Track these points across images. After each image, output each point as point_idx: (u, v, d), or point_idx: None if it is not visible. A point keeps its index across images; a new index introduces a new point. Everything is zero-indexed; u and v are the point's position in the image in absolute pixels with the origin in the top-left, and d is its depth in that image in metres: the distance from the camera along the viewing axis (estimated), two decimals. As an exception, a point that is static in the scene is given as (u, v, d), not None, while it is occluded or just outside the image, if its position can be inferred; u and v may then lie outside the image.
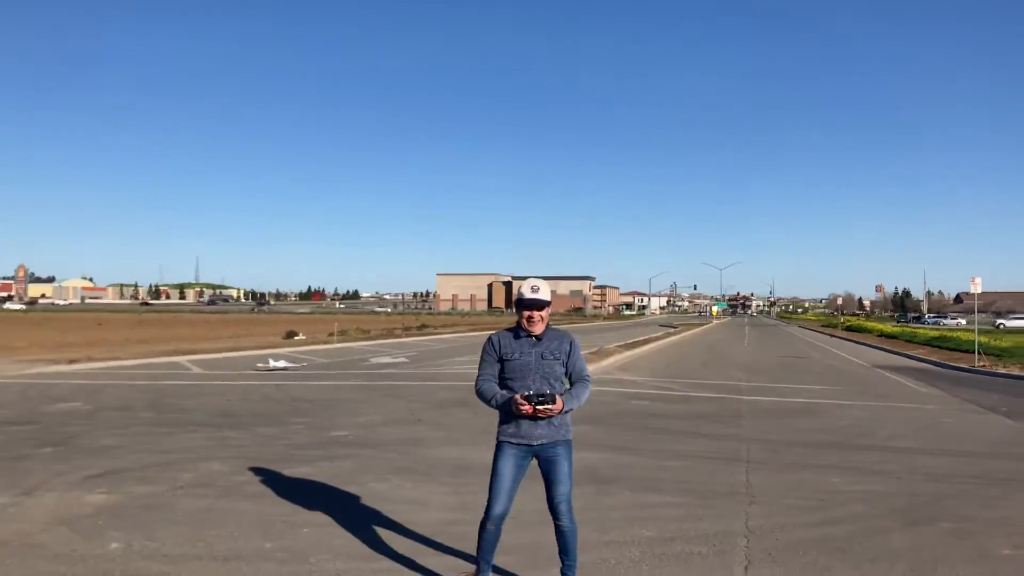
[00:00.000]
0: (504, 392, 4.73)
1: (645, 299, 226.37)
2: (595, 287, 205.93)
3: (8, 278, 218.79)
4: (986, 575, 5.38)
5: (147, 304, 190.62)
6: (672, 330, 58.82)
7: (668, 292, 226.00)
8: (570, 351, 4.82)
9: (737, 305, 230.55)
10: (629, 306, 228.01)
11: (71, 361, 22.18)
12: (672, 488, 7.78)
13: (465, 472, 8.33)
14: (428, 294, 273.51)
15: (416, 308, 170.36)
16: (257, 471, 8.27)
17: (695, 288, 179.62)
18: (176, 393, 15.46)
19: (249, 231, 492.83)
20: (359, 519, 6.47)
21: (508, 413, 4.73)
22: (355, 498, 7.17)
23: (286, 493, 7.33)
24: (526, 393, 4.58)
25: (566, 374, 4.83)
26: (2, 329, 46.51)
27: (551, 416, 4.62)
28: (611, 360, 24.74)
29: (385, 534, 6.09)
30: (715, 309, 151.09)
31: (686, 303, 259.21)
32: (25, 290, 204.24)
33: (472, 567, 5.08)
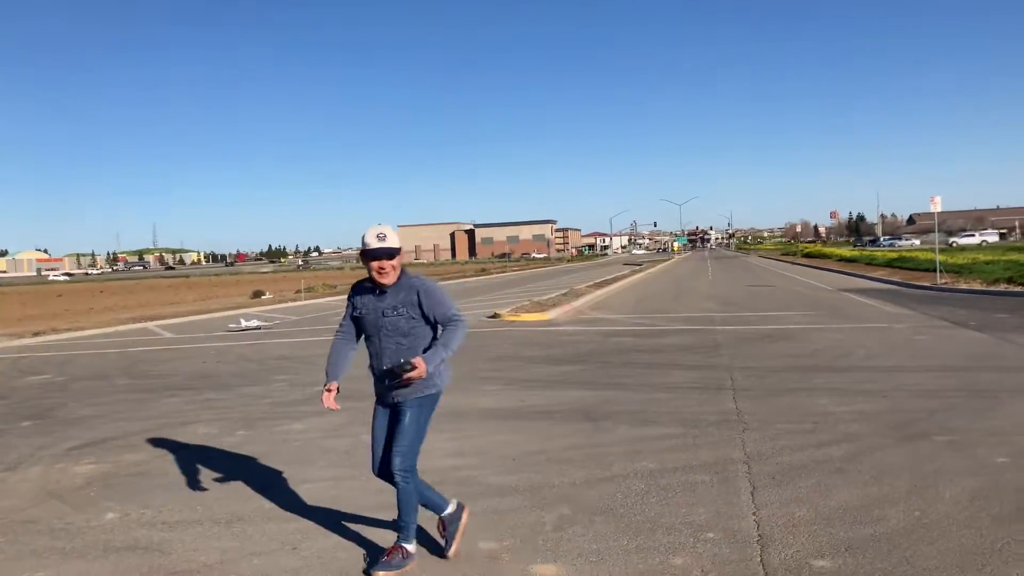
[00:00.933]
0: (329, 374, 4.75)
1: (607, 239, 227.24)
2: (557, 230, 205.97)
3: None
4: (988, 483, 5.46)
5: (171, 267, 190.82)
6: (637, 267, 59.13)
7: (629, 231, 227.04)
8: (420, 299, 4.42)
9: (696, 240, 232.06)
10: (591, 247, 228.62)
11: (35, 334, 21.66)
12: (665, 420, 7.80)
13: (458, 418, 8.26)
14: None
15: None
16: (247, 430, 8.14)
17: (655, 225, 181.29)
18: (149, 359, 15.17)
19: (206, 192, 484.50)
20: (359, 472, 6.39)
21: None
22: (351, 451, 7.09)
23: (280, 450, 7.23)
24: (379, 372, 4.50)
25: (430, 323, 4.50)
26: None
27: (420, 379, 4.39)
28: (583, 300, 24.77)
29: (385, 484, 6.00)
30: (676, 245, 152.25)
31: (647, 240, 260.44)
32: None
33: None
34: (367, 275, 4.48)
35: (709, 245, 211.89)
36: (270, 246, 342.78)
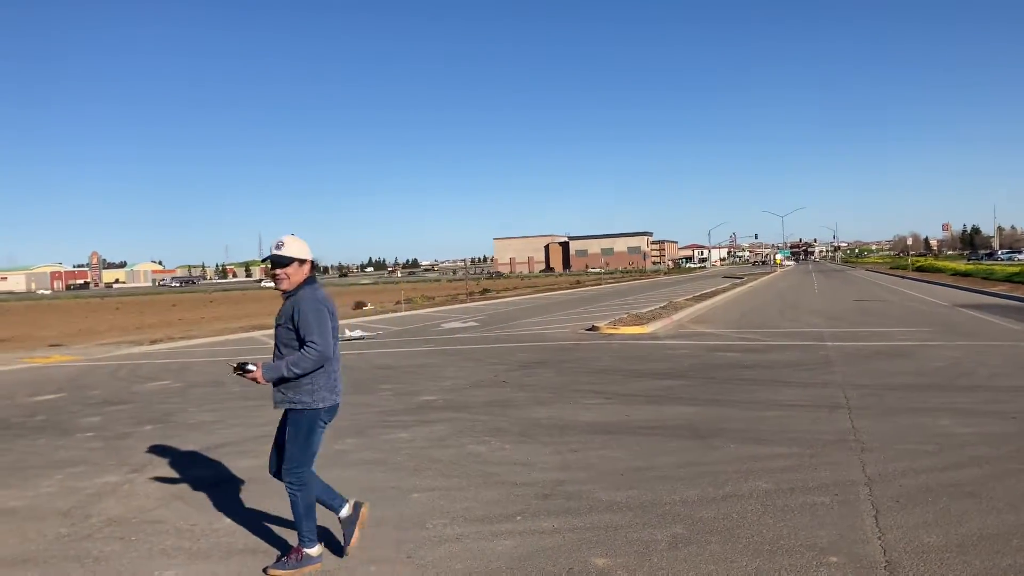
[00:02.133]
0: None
1: (705, 251, 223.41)
2: (653, 242, 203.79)
3: (82, 265, 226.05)
4: None
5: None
6: (738, 280, 57.85)
7: (728, 243, 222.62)
8: (295, 315, 4.46)
9: (800, 252, 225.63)
10: (689, 259, 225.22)
11: (153, 341, 22.74)
12: (776, 439, 7.55)
13: (561, 431, 8.22)
14: (486, 259, 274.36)
15: (477, 273, 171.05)
16: (355, 438, 8.30)
17: (756, 237, 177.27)
18: (259, 367, 15.68)
19: (310, 206, 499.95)
20: (467, 482, 6.42)
21: None
22: (457, 462, 7.13)
23: (389, 459, 7.33)
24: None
25: (300, 340, 4.48)
26: (81, 314, 48.04)
27: (258, 383, 4.50)
28: (683, 313, 24.37)
29: (494, 496, 6.02)
30: (779, 257, 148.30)
31: (747, 253, 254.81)
32: (100, 276, 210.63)
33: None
34: None
35: (813, 258, 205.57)
36: (371, 258, 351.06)
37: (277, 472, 4.81)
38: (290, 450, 4.66)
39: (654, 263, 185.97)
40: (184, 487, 6.66)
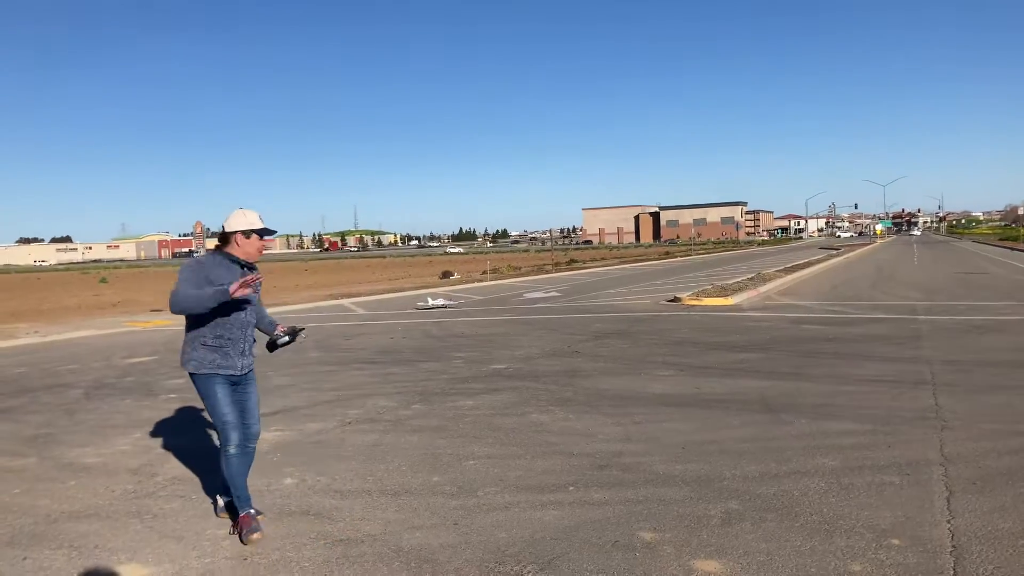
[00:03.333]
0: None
1: (802, 222, 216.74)
2: (747, 212, 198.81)
3: (187, 234, 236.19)
4: None
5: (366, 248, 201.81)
6: (834, 252, 55.92)
7: (826, 213, 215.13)
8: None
9: (902, 223, 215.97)
10: (784, 230, 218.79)
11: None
12: (851, 415, 7.23)
13: (627, 402, 8.09)
14: (575, 229, 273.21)
15: (565, 244, 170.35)
16: (422, 405, 8.37)
17: (856, 207, 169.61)
18: (341, 333, 16.02)
19: (403, 178, 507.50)
20: (524, 451, 6.38)
21: None
22: (518, 430, 7.09)
23: (450, 426, 7.35)
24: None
25: None
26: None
27: None
28: (771, 285, 23.67)
29: (550, 465, 5.96)
30: (879, 228, 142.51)
31: (846, 224, 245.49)
32: (203, 244, 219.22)
33: None
34: (222, 248, 4.78)
35: (916, 229, 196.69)
36: (460, 229, 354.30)
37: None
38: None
39: (748, 234, 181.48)
40: (251, 448, 6.83)
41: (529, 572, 4.10)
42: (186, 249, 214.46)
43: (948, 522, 4.56)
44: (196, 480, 5.97)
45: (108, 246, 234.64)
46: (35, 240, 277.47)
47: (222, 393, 4.74)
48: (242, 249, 4.78)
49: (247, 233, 4.76)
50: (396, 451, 6.56)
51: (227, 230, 4.75)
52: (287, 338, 5.08)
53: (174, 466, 6.38)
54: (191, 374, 4.77)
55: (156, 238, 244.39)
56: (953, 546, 4.23)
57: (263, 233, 4.81)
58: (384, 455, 6.44)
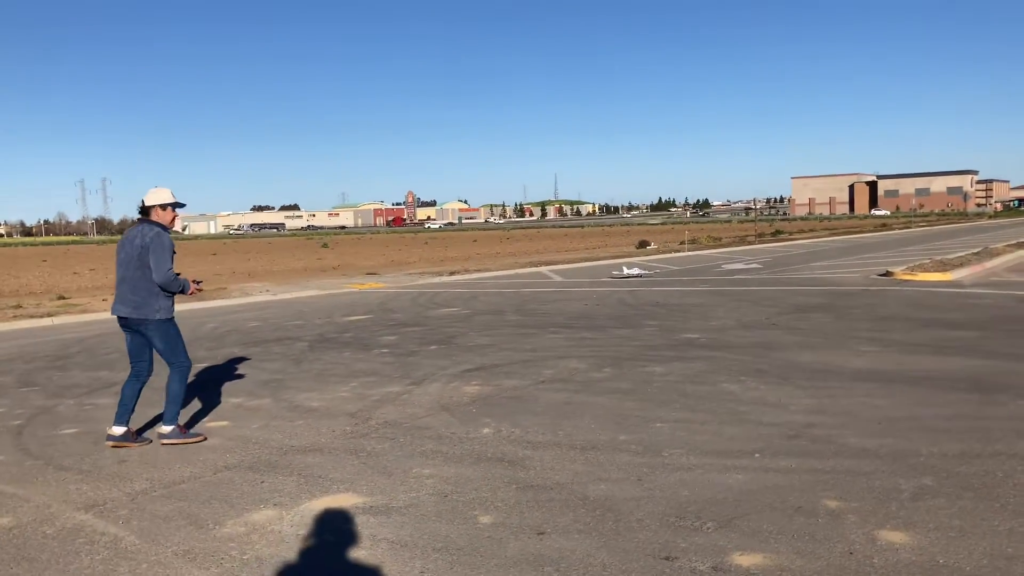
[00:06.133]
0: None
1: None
2: (978, 181, 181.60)
3: (399, 204, 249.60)
4: None
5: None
6: (1081, 225, 50.08)
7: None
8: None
9: None
10: (1022, 202, 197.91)
11: (451, 273, 24.76)
12: (1078, 399, 6.68)
13: (824, 376, 7.89)
14: (782, 199, 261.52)
15: (772, 214, 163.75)
16: (612, 368, 8.60)
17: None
18: (539, 299, 16.56)
19: (602, 146, 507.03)
20: (711, 417, 6.45)
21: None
22: (707, 397, 7.15)
23: (639, 390, 7.54)
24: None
25: None
26: (396, 247, 53.22)
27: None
28: (999, 260, 21.73)
29: (737, 432, 6.00)
30: None
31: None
32: (414, 214, 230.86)
33: None
34: (147, 219, 6.19)
35: None
36: (660, 199, 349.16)
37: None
38: None
39: (978, 205, 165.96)
40: (452, 400, 7.37)
41: (709, 528, 4.23)
42: (394, 217, 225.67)
43: None
44: (405, 424, 6.55)
45: (329, 214, 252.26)
46: (267, 208, 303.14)
47: None
48: (163, 218, 6.18)
49: (163, 206, 6.17)
50: (586, 410, 6.84)
51: (147, 204, 6.16)
52: None
53: (386, 412, 7.02)
54: (168, 319, 6.16)
55: (372, 207, 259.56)
56: None
57: (175, 206, 6.20)
58: (574, 412, 6.74)
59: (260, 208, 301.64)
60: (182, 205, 6.29)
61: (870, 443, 5.65)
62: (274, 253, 50.78)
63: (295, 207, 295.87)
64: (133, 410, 6.25)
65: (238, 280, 25.31)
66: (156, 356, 6.30)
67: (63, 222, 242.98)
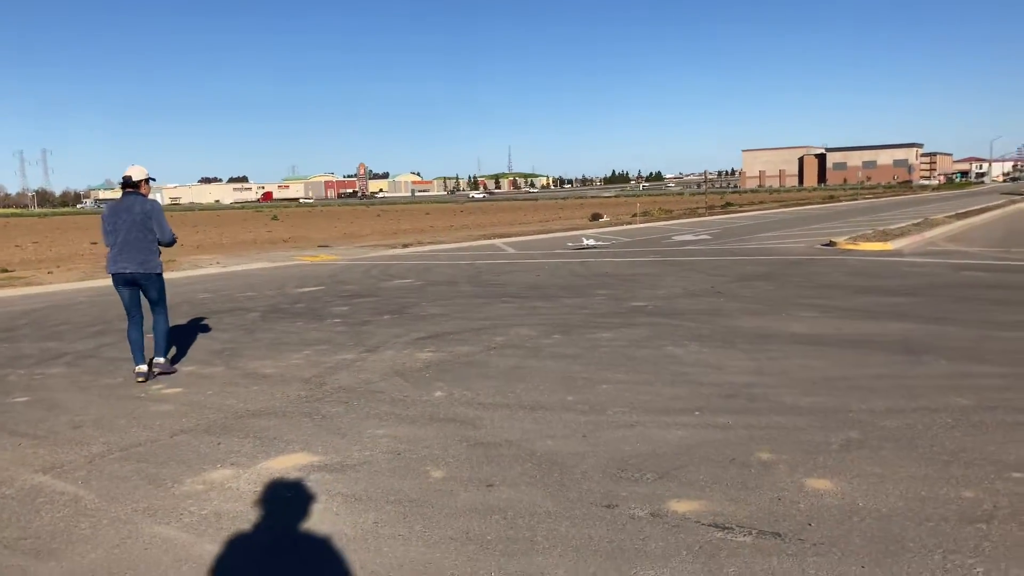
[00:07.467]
0: None
1: (984, 165, 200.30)
2: (923, 155, 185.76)
3: (351, 176, 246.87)
4: None
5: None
6: (1017, 198, 51.75)
7: (1015, 156, 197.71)
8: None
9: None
10: (964, 174, 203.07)
11: (405, 245, 24.78)
12: (999, 359, 7.07)
13: (765, 340, 8.22)
14: (733, 172, 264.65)
15: (722, 187, 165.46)
16: (561, 335, 8.83)
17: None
18: (492, 270, 16.73)
19: (555, 120, 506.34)
20: (654, 379, 6.71)
21: None
22: (651, 361, 7.41)
23: (587, 354, 7.77)
24: None
25: None
26: (348, 220, 52.85)
27: None
28: (938, 231, 22.49)
29: (679, 392, 6.27)
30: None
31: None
32: (366, 186, 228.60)
33: None
34: (136, 192, 7.29)
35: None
36: (613, 171, 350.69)
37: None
38: None
39: (923, 177, 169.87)
40: (406, 366, 7.53)
41: (648, 479, 4.48)
42: (350, 190, 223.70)
43: (1077, 461, 4.55)
44: (359, 389, 6.70)
45: (279, 186, 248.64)
46: (215, 180, 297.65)
47: None
48: (145, 190, 7.31)
49: (147, 180, 7.31)
50: (535, 373, 7.06)
51: (135, 178, 7.21)
52: None
53: (340, 378, 7.16)
54: (162, 273, 7.41)
55: (323, 179, 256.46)
56: (1077, 482, 4.25)
57: (150, 180, 7.36)
58: (524, 376, 6.95)
59: (208, 180, 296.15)
60: (154, 179, 7.53)
61: (804, 401, 5.96)
62: (224, 226, 50.16)
63: (244, 179, 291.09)
64: (144, 347, 7.34)
65: (187, 253, 25.03)
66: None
67: (2, 194, 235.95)
